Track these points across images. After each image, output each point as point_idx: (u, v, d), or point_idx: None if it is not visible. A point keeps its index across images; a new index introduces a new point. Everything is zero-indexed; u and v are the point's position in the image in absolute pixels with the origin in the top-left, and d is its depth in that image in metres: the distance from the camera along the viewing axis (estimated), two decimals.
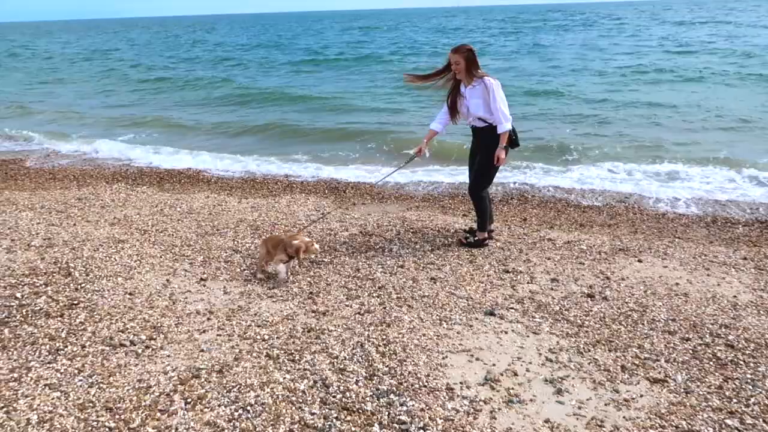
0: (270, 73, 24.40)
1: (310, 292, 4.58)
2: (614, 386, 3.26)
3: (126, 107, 17.61)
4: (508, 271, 4.99)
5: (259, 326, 4.01)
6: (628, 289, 4.60)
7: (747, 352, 3.58)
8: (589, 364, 3.49)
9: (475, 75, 5.07)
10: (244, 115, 15.30)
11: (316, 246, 4.77)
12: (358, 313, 4.20)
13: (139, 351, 3.68)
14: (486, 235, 5.67)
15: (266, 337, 3.85)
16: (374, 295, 4.51)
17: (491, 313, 4.16)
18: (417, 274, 4.94)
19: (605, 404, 3.10)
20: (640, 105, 13.99)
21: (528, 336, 3.85)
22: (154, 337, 3.86)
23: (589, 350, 3.65)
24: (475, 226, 5.83)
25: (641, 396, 3.17)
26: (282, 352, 3.65)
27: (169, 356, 3.62)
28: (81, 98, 19.67)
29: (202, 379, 3.34)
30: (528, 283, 4.76)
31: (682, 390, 3.21)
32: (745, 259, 5.38)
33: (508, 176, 8.77)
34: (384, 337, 3.82)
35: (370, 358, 3.55)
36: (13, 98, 19.62)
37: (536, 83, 17.62)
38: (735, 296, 4.46)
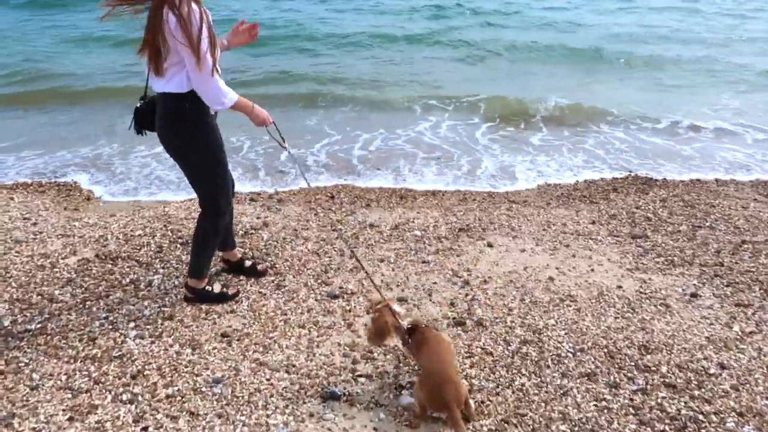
0: None
1: None
2: None
3: None
4: (336, 296, 3.41)
5: None
6: (501, 299, 3.38)
7: (695, 393, 2.58)
8: None
9: None
10: None
11: None
12: None
13: None
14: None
15: None
16: (123, 398, 2.56)
17: (333, 396, 2.56)
18: (198, 329, 3.07)
19: None
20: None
21: None
22: None
23: None
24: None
25: None
26: None
27: None
28: None
29: None
30: (367, 312, 3.25)
31: None
32: (593, 223, 4.61)
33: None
34: None
35: None
36: None
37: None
38: (620, 286, 3.54)
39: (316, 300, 3.37)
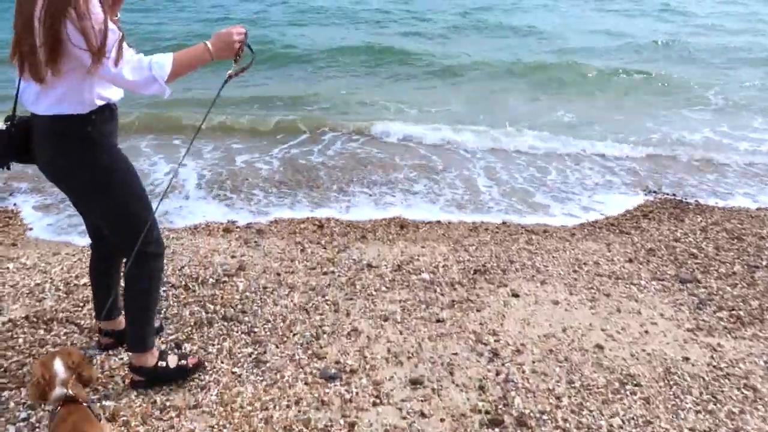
0: None
1: None
2: None
3: None
4: (332, 378, 2.65)
5: None
6: (542, 381, 2.66)
7: None
8: None
9: None
10: None
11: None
12: None
13: None
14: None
15: None
16: None
17: None
18: None
19: None
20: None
21: None
22: None
23: None
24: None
25: None
26: None
27: None
28: None
29: None
30: (374, 402, 2.50)
31: None
32: (630, 262, 3.92)
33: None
34: None
35: None
36: None
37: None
38: (686, 358, 2.84)
39: (307, 384, 2.61)
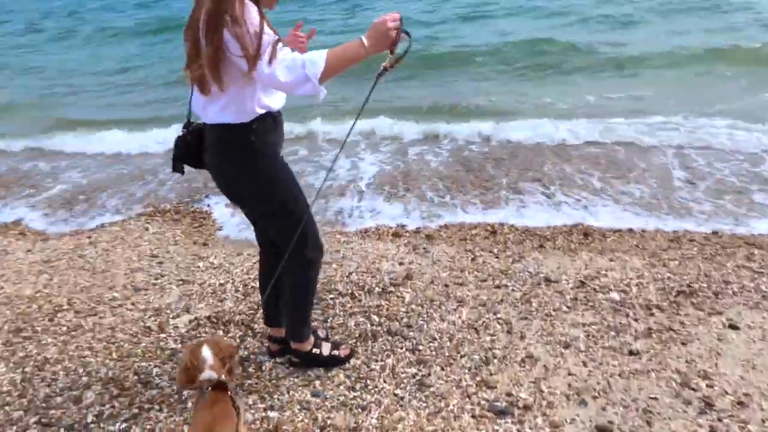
0: None
1: None
2: None
3: None
4: (502, 412, 2.35)
5: None
6: None
7: None
8: None
9: None
10: None
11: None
12: None
13: None
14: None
15: None
16: None
17: None
18: None
19: None
20: None
21: None
22: None
23: None
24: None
25: None
26: None
27: None
28: None
29: None
30: None
31: None
32: None
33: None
34: None
35: None
36: None
37: None
38: None
39: (474, 417, 2.34)
